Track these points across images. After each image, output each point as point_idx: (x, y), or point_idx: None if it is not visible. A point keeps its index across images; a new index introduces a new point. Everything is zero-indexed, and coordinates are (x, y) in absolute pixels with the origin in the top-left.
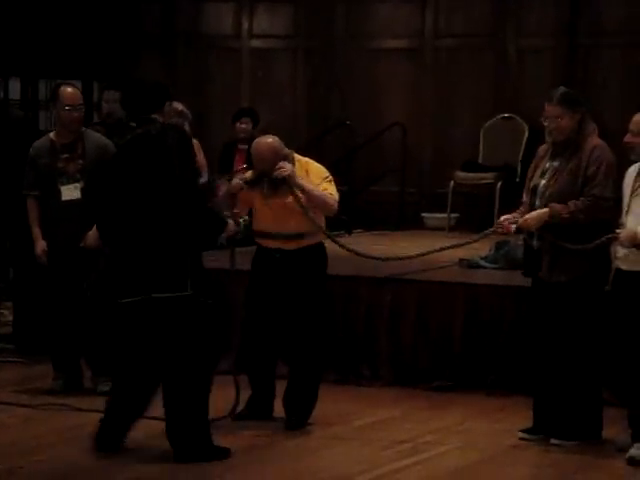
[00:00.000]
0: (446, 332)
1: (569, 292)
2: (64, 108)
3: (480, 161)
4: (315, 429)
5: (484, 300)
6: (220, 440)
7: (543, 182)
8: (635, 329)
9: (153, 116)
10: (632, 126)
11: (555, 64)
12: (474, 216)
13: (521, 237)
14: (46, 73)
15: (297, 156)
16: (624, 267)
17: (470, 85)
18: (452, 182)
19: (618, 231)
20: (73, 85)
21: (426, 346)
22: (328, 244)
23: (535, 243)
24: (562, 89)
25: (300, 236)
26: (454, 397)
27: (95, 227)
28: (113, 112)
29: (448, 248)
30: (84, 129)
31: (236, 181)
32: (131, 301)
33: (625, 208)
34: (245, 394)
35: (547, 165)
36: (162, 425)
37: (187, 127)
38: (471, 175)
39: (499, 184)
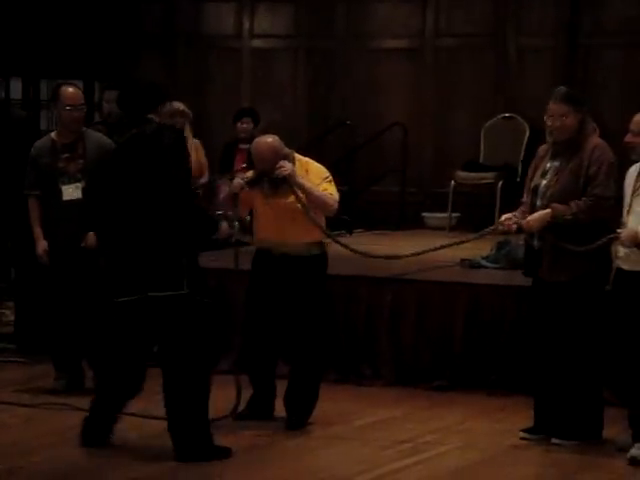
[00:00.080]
0: (447, 332)
1: (570, 292)
2: (65, 108)
3: (481, 161)
4: (316, 429)
5: (485, 300)
6: (221, 440)
7: (544, 182)
8: (636, 329)
9: (149, 116)
10: (633, 126)
11: (555, 64)
12: (475, 216)
13: (522, 237)
14: (47, 73)
15: (297, 156)
16: (625, 267)
17: (471, 85)
18: (453, 182)
19: (619, 231)
20: (74, 85)
21: (427, 346)
22: (328, 244)
23: (536, 243)
24: (565, 88)
25: (301, 244)
26: (455, 397)
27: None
28: (114, 112)
29: (443, 247)
30: (85, 129)
31: (237, 181)
32: (128, 300)
33: (626, 208)
34: (246, 394)
35: (548, 165)
36: (162, 425)
37: (188, 127)
38: (472, 175)
39: (500, 184)
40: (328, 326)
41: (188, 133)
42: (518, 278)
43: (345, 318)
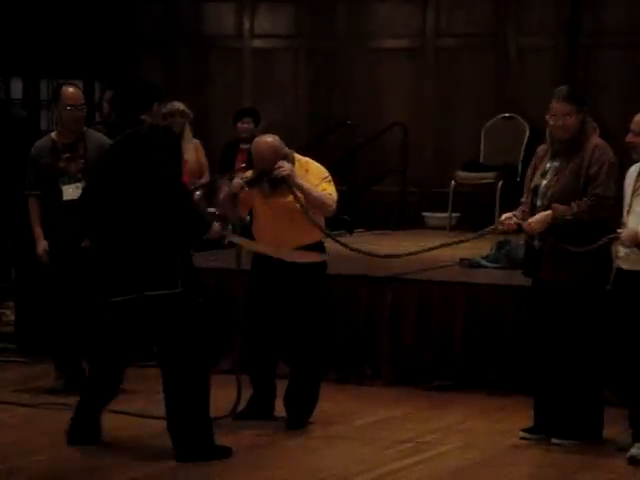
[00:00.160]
0: (447, 332)
1: (570, 292)
2: (66, 108)
3: (481, 161)
4: (316, 428)
5: (485, 300)
6: (221, 439)
7: (544, 182)
8: (636, 329)
9: (142, 117)
10: (633, 126)
11: (556, 64)
12: (475, 215)
13: (522, 237)
14: (48, 73)
15: (297, 156)
16: (625, 267)
17: (471, 85)
18: (453, 182)
19: (619, 231)
20: (75, 85)
21: (427, 346)
22: (328, 243)
23: (536, 243)
24: (568, 87)
25: (300, 248)
26: (455, 397)
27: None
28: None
29: (443, 246)
30: (85, 129)
31: (237, 181)
32: (123, 299)
33: (626, 207)
34: (246, 393)
35: (548, 165)
36: (162, 425)
37: (188, 127)
38: (472, 175)
39: (500, 184)
40: (328, 326)
41: (188, 133)
42: (518, 278)
43: (345, 318)
